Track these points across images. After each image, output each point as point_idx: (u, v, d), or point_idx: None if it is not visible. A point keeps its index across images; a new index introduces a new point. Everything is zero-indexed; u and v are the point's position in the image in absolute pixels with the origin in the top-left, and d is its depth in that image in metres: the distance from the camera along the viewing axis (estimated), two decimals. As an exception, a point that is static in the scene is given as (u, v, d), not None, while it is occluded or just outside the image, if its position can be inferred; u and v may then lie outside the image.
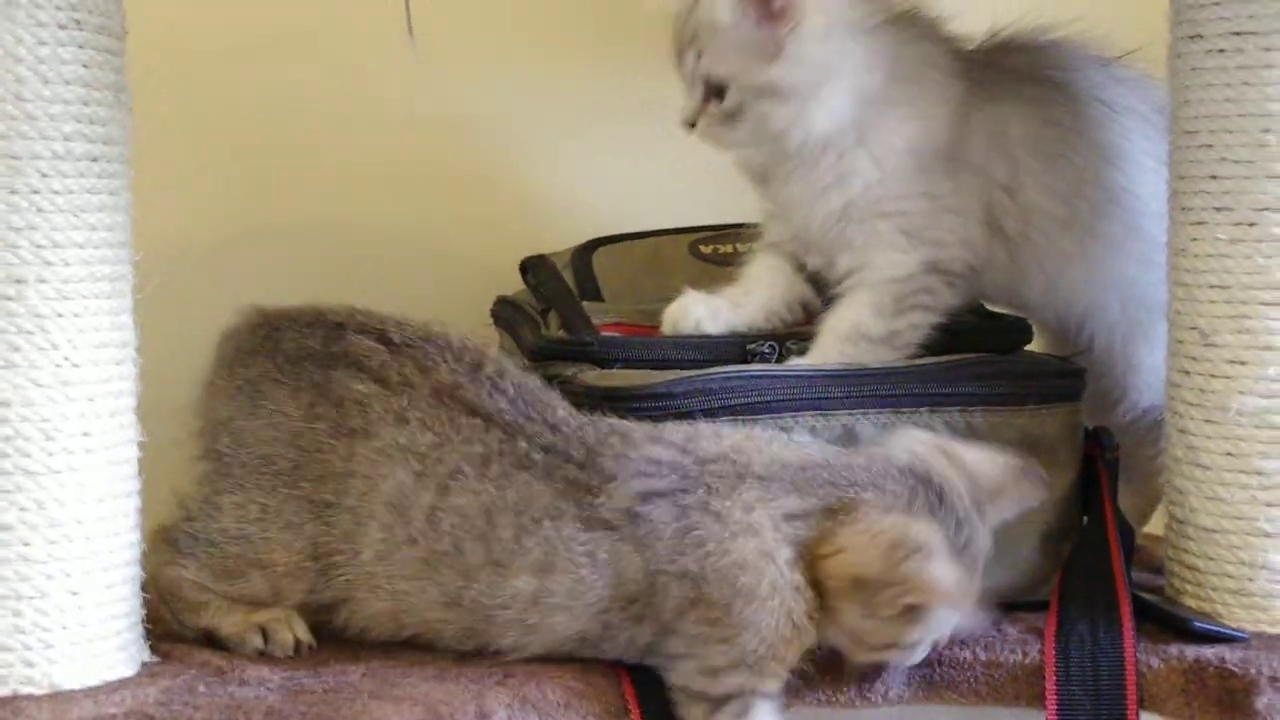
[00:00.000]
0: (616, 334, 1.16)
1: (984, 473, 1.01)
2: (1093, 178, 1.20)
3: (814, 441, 1.04)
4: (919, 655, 0.99)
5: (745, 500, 0.94)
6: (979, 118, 1.18)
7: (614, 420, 1.01)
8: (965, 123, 1.18)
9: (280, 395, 1.03)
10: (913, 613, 0.94)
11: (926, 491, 0.97)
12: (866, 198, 1.16)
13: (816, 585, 0.95)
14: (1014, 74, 1.22)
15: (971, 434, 1.10)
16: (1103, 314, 1.23)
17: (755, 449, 0.98)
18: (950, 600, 0.93)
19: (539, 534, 0.95)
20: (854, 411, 1.09)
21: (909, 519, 0.95)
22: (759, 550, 0.93)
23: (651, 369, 1.11)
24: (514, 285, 1.28)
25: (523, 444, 0.98)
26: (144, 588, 1.00)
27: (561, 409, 1.01)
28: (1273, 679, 0.98)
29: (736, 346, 1.15)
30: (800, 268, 1.22)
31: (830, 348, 1.15)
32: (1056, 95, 1.22)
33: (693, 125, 1.19)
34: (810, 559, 0.94)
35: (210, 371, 1.07)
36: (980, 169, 1.18)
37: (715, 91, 1.17)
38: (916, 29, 1.20)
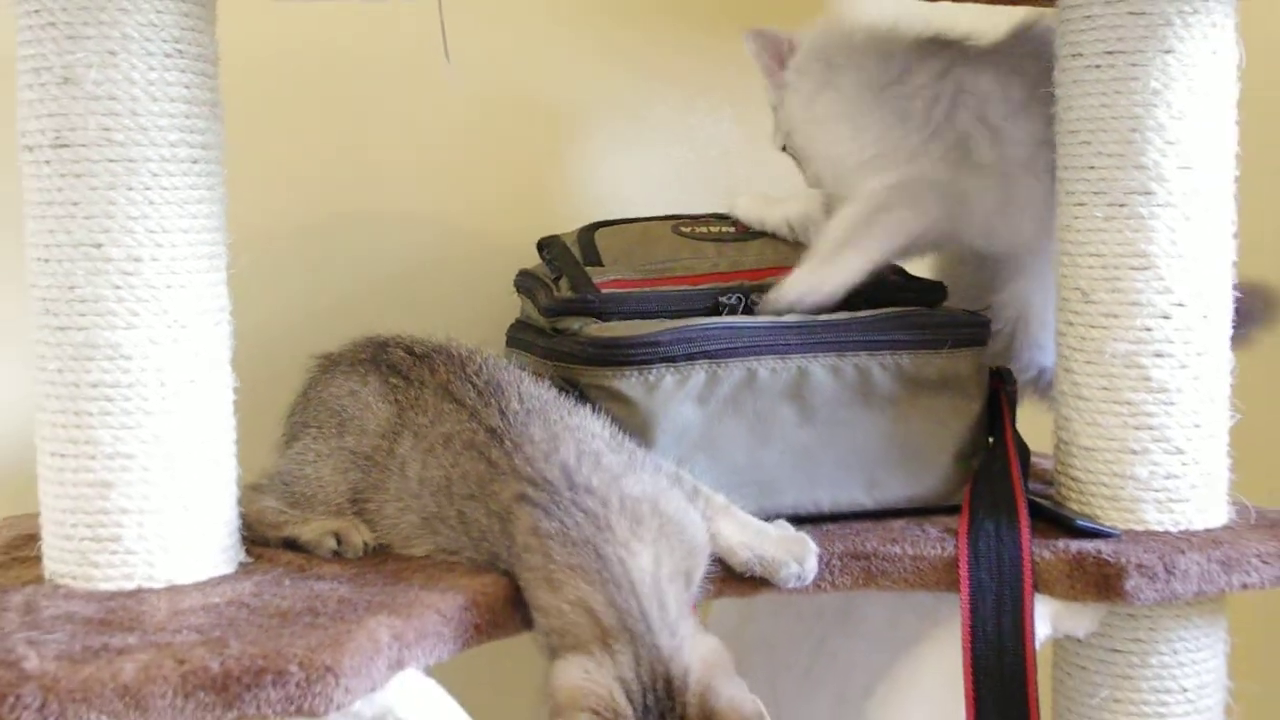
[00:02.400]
0: (615, 289, 1.15)
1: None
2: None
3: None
4: None
5: (581, 548, 0.90)
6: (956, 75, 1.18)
7: (558, 415, 0.99)
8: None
9: (342, 380, 1.07)
10: None
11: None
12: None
13: None
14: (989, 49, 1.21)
15: (900, 371, 1.10)
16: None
17: (630, 509, 0.92)
18: None
19: (463, 508, 0.97)
20: (806, 355, 1.09)
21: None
22: (554, 599, 0.90)
23: (642, 319, 1.11)
24: (532, 260, 1.28)
25: (472, 426, 0.98)
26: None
27: (517, 403, 1.00)
28: (1138, 566, 0.99)
29: (710, 298, 1.14)
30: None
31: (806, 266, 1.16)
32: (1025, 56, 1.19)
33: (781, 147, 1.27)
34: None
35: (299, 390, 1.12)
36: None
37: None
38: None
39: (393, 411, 1.04)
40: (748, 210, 1.25)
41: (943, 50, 1.20)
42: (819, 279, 1.14)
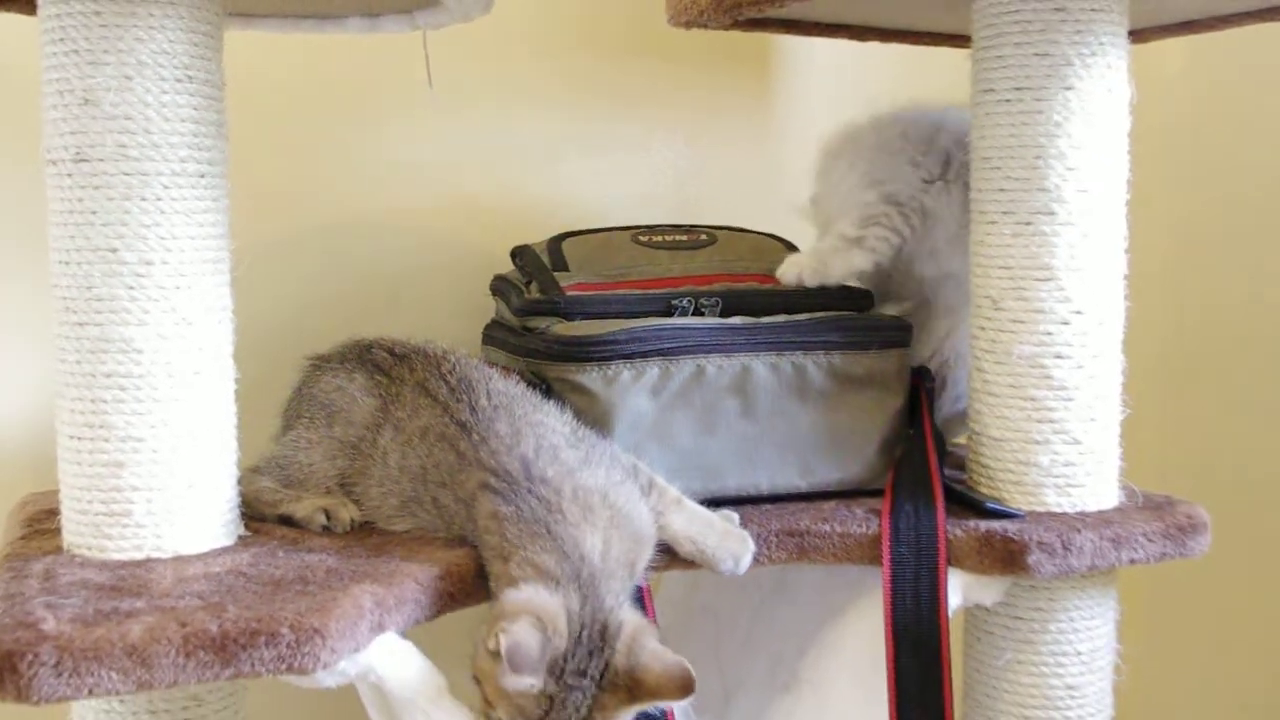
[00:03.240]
0: (579, 292, 1.15)
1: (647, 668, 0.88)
2: None
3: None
4: None
5: (531, 539, 0.91)
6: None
7: (522, 411, 0.99)
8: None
9: (331, 377, 1.07)
10: None
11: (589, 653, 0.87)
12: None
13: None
14: None
15: (832, 369, 1.11)
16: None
17: (583, 499, 0.93)
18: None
19: (436, 494, 0.98)
20: (749, 353, 1.09)
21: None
22: (502, 571, 0.91)
23: (602, 320, 1.11)
24: (506, 266, 1.29)
25: (444, 419, 0.99)
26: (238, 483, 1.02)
27: (485, 399, 1.00)
28: (1039, 543, 1.00)
29: (664, 301, 1.14)
30: None
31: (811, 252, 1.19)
32: None
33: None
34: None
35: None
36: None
37: None
38: None
39: (376, 406, 1.04)
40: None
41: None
42: (827, 267, 1.17)
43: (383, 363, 1.07)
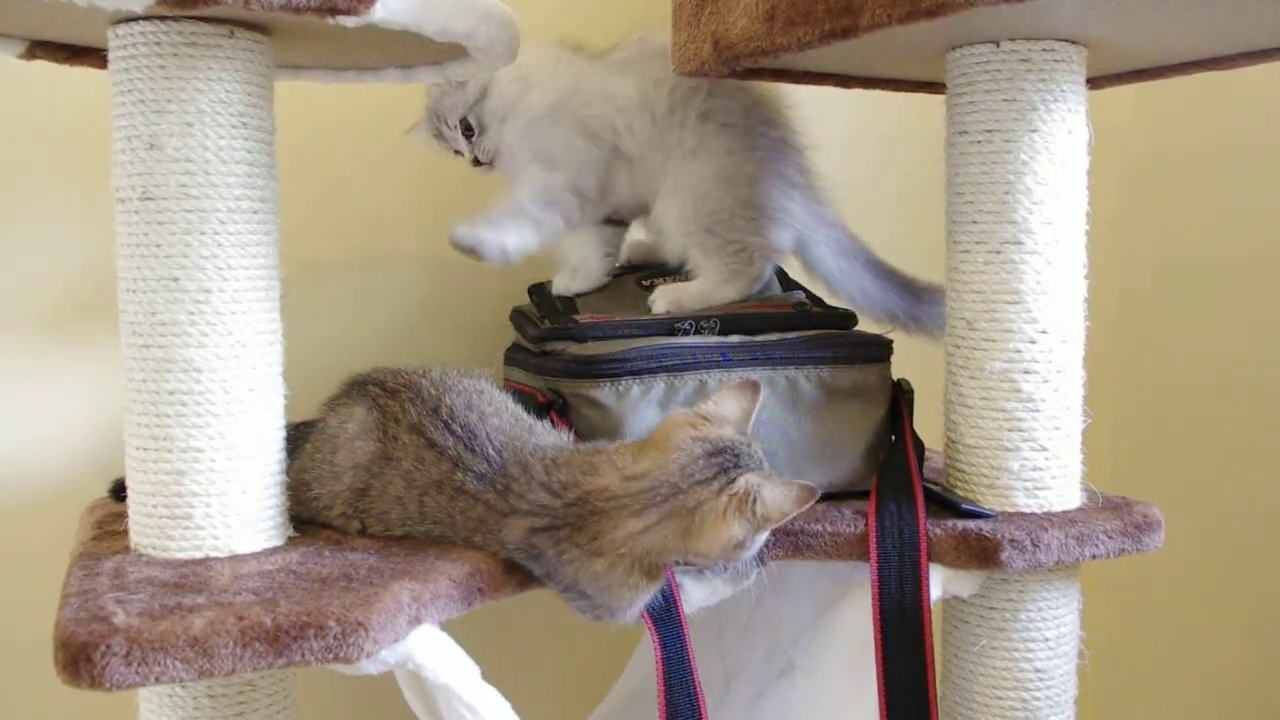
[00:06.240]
0: (591, 320, 1.15)
1: (729, 409, 0.95)
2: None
3: (657, 468, 0.91)
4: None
5: (594, 530, 0.90)
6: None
7: (529, 448, 0.94)
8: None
9: (333, 415, 1.03)
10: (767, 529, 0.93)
11: (724, 457, 0.91)
12: None
13: (694, 552, 0.90)
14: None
15: (821, 382, 1.10)
16: None
17: (604, 488, 0.91)
18: (790, 513, 0.90)
19: (469, 537, 0.95)
20: (746, 368, 1.09)
21: (734, 482, 0.90)
22: (606, 564, 0.90)
23: (613, 341, 1.11)
24: (518, 288, 1.29)
25: (460, 474, 0.94)
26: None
27: (492, 447, 0.94)
28: (1011, 540, 1.00)
29: (667, 325, 1.14)
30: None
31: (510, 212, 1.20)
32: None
33: None
34: (684, 548, 0.90)
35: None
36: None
37: None
38: None
39: (376, 450, 0.98)
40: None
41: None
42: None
43: (375, 397, 1.00)
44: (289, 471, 1.00)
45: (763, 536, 0.93)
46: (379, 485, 0.98)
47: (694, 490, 0.90)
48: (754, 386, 0.97)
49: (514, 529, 0.92)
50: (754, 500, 0.89)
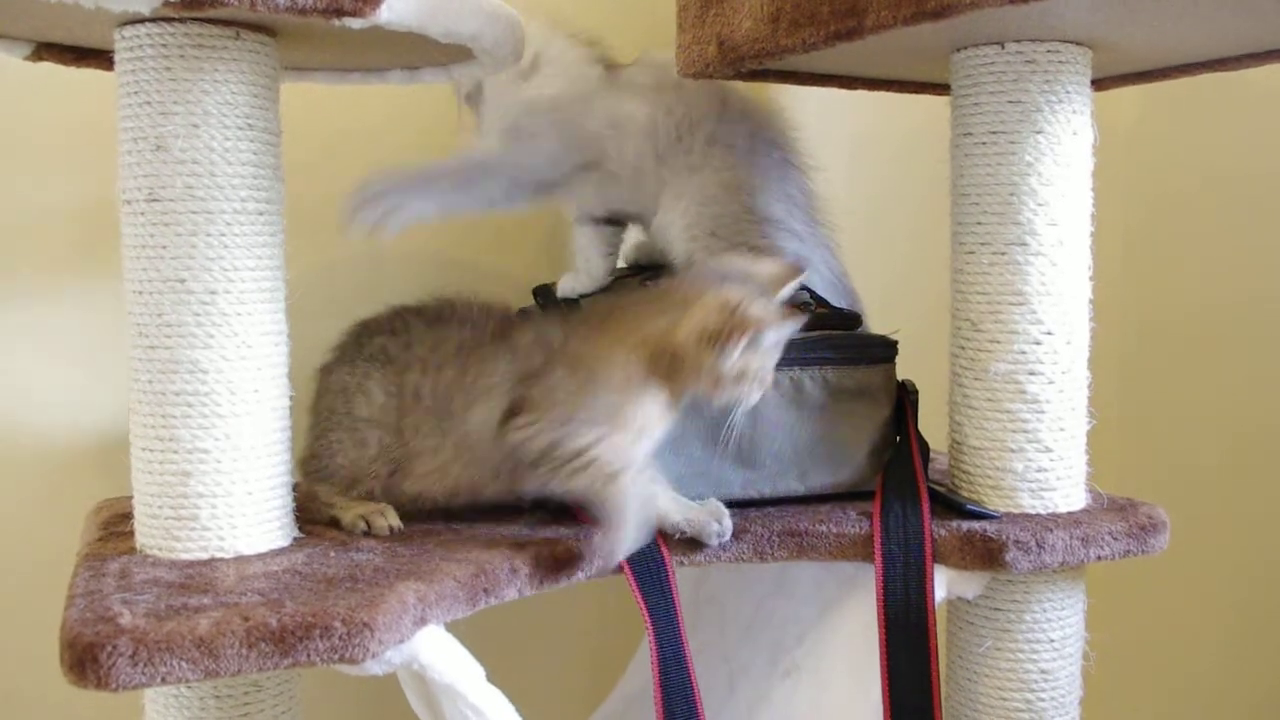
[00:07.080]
0: None
1: (764, 268, 1.00)
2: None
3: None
4: (765, 384, 0.98)
5: (590, 341, 0.97)
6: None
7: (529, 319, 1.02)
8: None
9: (337, 373, 1.05)
10: (751, 341, 0.94)
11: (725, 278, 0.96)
12: None
13: (676, 359, 0.94)
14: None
15: (826, 383, 1.10)
16: None
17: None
18: (771, 324, 0.93)
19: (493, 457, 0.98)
20: None
21: (727, 289, 0.94)
22: (603, 352, 0.96)
23: None
24: (529, 302, 1.29)
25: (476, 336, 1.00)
26: (294, 489, 1.01)
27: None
28: (1016, 541, 1.00)
29: None
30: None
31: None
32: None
33: None
34: (665, 345, 0.94)
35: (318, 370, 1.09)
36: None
37: None
38: None
39: (389, 368, 1.02)
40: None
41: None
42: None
43: (384, 345, 1.04)
44: (308, 448, 1.02)
45: (741, 358, 0.93)
46: (400, 399, 1.00)
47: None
48: (796, 265, 1.01)
49: (515, 391, 0.95)
50: (739, 305, 0.92)
